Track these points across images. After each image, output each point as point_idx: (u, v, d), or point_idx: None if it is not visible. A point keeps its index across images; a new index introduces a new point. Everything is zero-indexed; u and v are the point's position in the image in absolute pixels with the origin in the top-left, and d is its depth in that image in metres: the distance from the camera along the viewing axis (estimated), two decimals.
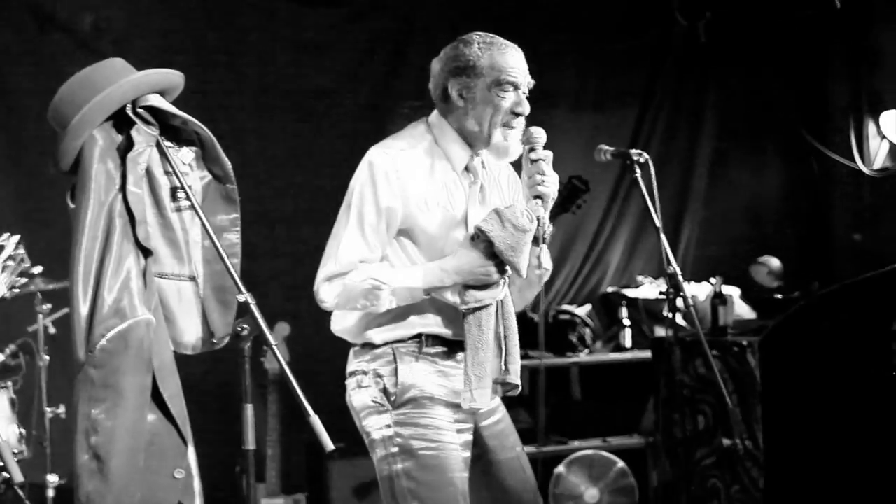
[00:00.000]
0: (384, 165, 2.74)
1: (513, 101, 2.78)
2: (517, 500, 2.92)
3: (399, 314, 2.76)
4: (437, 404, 2.77)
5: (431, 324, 2.79)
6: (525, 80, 2.81)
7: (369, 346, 2.81)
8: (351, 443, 3.21)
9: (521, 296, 2.97)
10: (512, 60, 2.79)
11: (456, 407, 2.79)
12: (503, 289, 2.76)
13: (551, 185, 2.73)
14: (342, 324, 2.87)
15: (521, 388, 2.83)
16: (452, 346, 2.82)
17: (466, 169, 2.85)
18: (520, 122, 2.80)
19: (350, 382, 2.86)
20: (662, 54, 6.43)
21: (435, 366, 2.80)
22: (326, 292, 2.74)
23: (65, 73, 2.45)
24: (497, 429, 2.93)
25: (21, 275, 3.92)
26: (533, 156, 2.76)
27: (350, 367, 2.87)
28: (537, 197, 2.71)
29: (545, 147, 2.77)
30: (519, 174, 2.89)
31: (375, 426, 2.78)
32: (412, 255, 2.79)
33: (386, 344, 2.79)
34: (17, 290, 3.93)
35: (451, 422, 2.77)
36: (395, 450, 2.74)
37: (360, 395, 2.82)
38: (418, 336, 2.78)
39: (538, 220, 2.69)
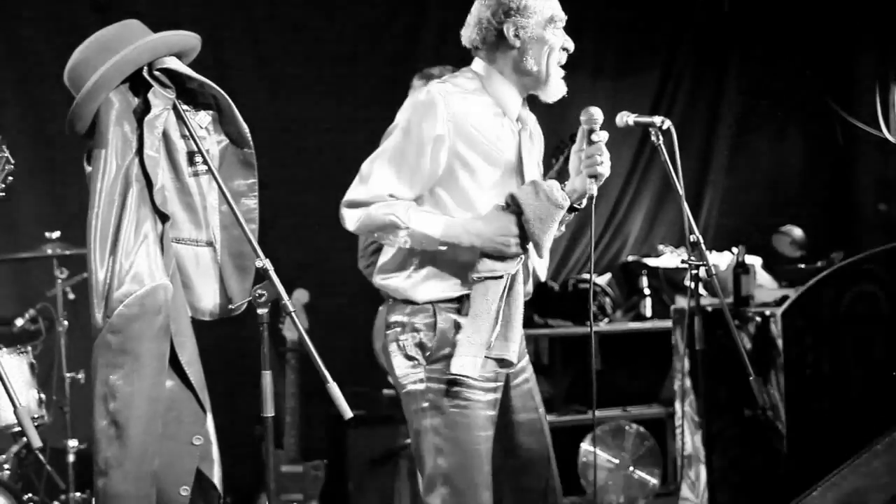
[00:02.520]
0: (440, 97, 2.72)
1: (563, 37, 2.83)
2: (534, 460, 2.93)
3: (443, 276, 2.76)
4: None
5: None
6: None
7: (409, 301, 2.80)
8: (369, 410, 3.21)
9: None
10: None
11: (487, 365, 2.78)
12: (518, 264, 2.74)
13: (607, 166, 2.77)
14: (386, 279, 2.85)
15: (514, 365, 2.82)
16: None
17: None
18: (564, 59, 2.85)
19: (389, 334, 2.84)
20: (685, 21, 6.34)
21: None
22: (348, 216, 2.74)
23: (82, 35, 2.42)
24: (524, 388, 2.93)
25: (6, 178, 3.87)
26: (594, 137, 2.78)
27: (388, 319, 2.86)
28: (593, 176, 2.75)
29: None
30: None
31: (409, 379, 2.78)
32: (449, 204, 2.76)
33: (427, 302, 2.78)
34: (2, 195, 3.89)
35: (481, 380, 2.76)
36: (425, 405, 2.75)
37: (396, 346, 2.81)
38: (459, 298, 2.77)
39: (591, 199, 2.75)
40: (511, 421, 2.89)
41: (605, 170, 2.77)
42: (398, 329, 2.81)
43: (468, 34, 2.86)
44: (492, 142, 2.76)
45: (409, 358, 2.78)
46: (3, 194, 3.93)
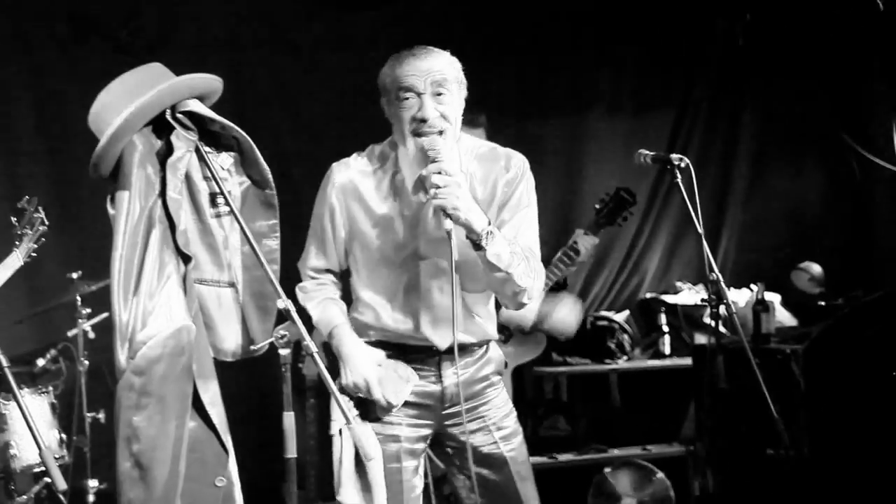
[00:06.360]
0: (336, 180, 2.86)
1: (416, 108, 2.69)
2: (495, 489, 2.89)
3: (365, 324, 2.88)
4: None
5: (382, 333, 2.87)
6: (428, 82, 2.67)
7: None
8: None
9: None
10: (408, 67, 2.68)
11: (412, 405, 2.82)
12: None
13: (446, 195, 2.57)
14: None
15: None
16: (398, 348, 2.86)
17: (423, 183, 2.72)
18: (432, 126, 2.68)
19: None
20: (700, 57, 6.35)
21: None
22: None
23: (103, 79, 2.45)
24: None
25: (38, 239, 3.93)
26: (424, 171, 2.66)
27: None
28: (441, 209, 2.59)
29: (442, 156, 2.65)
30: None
31: None
32: (360, 268, 2.87)
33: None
34: (34, 255, 3.95)
35: (401, 416, 2.81)
36: None
37: None
38: (374, 342, 2.87)
39: (448, 233, 2.56)
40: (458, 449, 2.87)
41: (441, 201, 2.56)
42: None
43: None
44: (389, 219, 2.79)
45: None
46: (35, 255, 3.97)
